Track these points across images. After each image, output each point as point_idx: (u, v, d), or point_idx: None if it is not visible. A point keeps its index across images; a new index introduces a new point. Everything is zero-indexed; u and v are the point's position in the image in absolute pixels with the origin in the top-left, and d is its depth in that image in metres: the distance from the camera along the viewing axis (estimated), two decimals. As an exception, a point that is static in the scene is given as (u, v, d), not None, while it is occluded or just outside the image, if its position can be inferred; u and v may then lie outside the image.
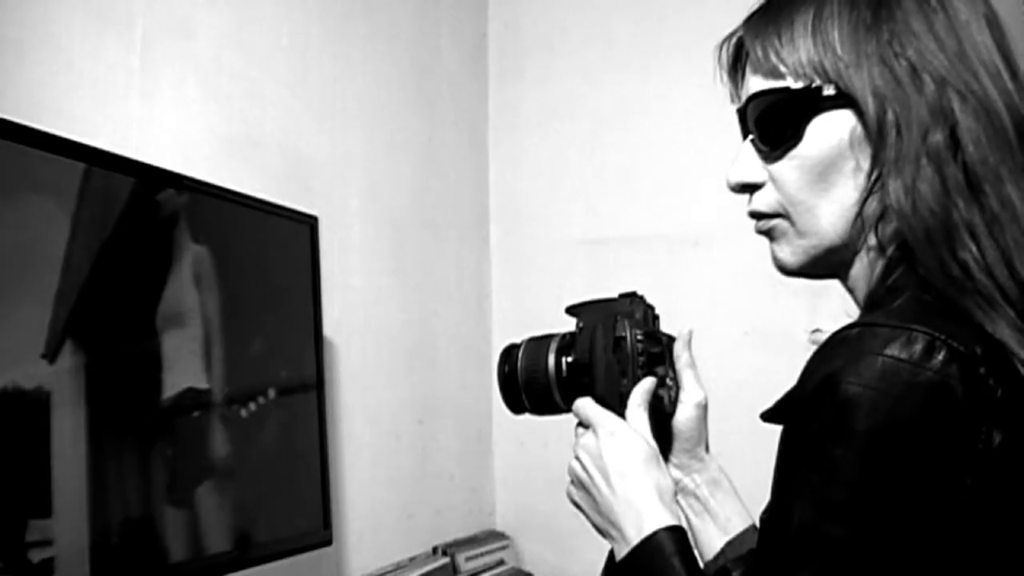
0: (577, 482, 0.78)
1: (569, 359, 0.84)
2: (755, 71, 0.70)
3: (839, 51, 0.65)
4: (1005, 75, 0.63)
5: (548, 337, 0.86)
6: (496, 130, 2.22)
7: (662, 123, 1.98)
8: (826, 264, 0.71)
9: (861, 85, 0.64)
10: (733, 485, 0.86)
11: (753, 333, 1.78)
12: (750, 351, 1.75)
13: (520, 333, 2.48)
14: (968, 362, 0.56)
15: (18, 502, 0.88)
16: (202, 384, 1.12)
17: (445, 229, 2.02)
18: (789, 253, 0.71)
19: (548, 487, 2.06)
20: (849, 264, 0.70)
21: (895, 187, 0.63)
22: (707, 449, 0.85)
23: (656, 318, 0.85)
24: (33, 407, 0.90)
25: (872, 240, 0.67)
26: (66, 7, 1.16)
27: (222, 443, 1.15)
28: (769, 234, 0.72)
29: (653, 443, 0.77)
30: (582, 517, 0.79)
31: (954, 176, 0.61)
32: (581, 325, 0.84)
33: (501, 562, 1.95)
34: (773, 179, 0.70)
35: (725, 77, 0.75)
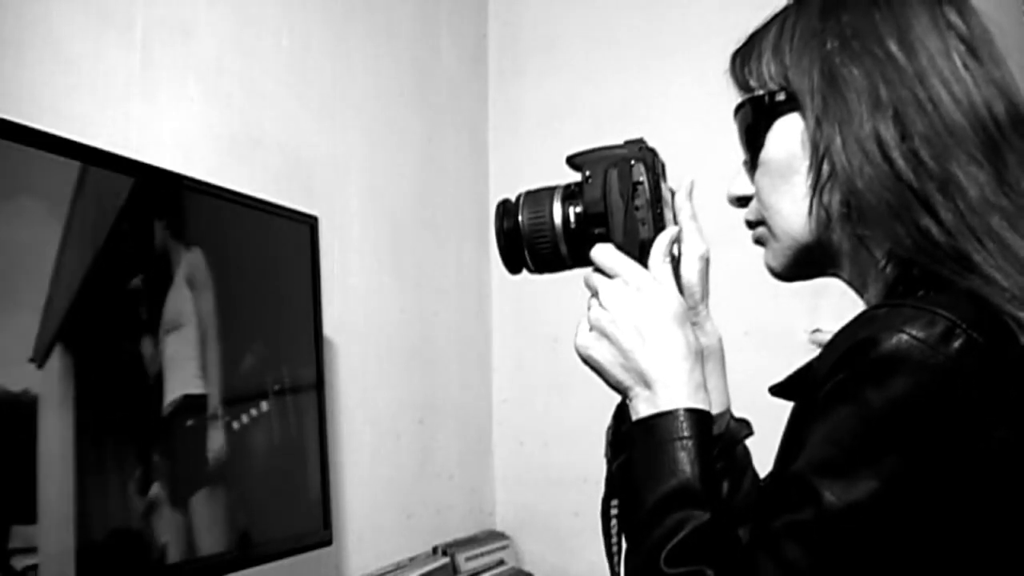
0: (600, 332, 0.72)
1: (578, 209, 0.76)
2: (736, 87, 0.75)
3: (787, 59, 0.70)
4: (958, 64, 0.65)
5: (548, 188, 0.79)
6: (496, 130, 2.22)
7: (662, 123, 1.97)
8: (809, 264, 0.73)
9: (802, 87, 0.69)
10: (725, 362, 0.82)
11: (753, 333, 1.78)
12: (750, 351, 1.75)
13: (520, 333, 2.47)
14: (985, 354, 0.57)
15: (2, 507, 0.86)
16: (200, 385, 1.12)
17: (445, 229, 2.02)
18: (771, 257, 0.75)
19: (548, 487, 2.06)
20: (835, 261, 0.72)
21: (844, 175, 0.65)
22: (708, 308, 0.80)
23: (663, 166, 0.79)
24: (20, 412, 0.88)
25: (842, 233, 0.69)
26: (66, 7, 1.16)
27: (221, 443, 1.15)
28: (759, 242, 0.76)
29: (681, 298, 0.73)
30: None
31: (900, 153, 0.64)
32: (588, 174, 0.76)
33: (501, 562, 1.95)
34: (756, 188, 0.74)
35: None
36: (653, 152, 0.77)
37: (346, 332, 1.64)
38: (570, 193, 0.78)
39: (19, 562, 0.86)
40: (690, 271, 0.77)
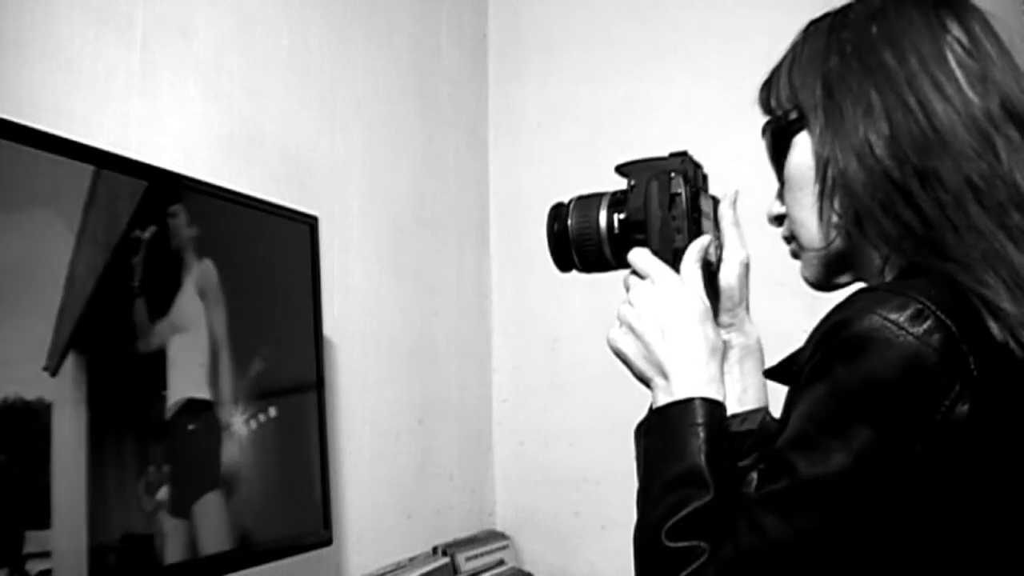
0: (627, 327, 0.79)
1: (621, 216, 0.83)
2: (764, 116, 0.79)
3: (796, 79, 0.75)
4: (954, 64, 0.68)
5: (598, 195, 0.85)
6: (496, 130, 2.22)
7: (662, 123, 1.98)
8: (836, 271, 0.77)
9: (807, 103, 0.73)
10: (763, 362, 0.86)
11: (753, 333, 1.79)
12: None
13: (520, 333, 2.47)
14: (951, 336, 0.60)
15: (17, 513, 0.88)
16: (203, 387, 1.12)
17: (445, 229, 2.02)
18: (804, 268, 0.79)
19: (548, 487, 2.07)
20: (853, 264, 0.76)
21: (844, 179, 0.69)
22: (747, 311, 0.86)
23: (705, 177, 0.85)
24: (35, 419, 0.89)
25: (855, 235, 0.71)
26: (66, 7, 1.16)
27: (222, 445, 1.15)
28: (795, 256, 0.80)
29: (707, 300, 0.78)
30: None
31: (888, 151, 0.67)
32: (633, 183, 0.82)
33: (501, 562, 1.95)
34: (785, 206, 0.79)
35: None
36: (695, 165, 0.83)
37: (346, 332, 1.64)
38: (616, 200, 0.84)
39: (34, 566, 0.87)
40: (730, 275, 0.83)
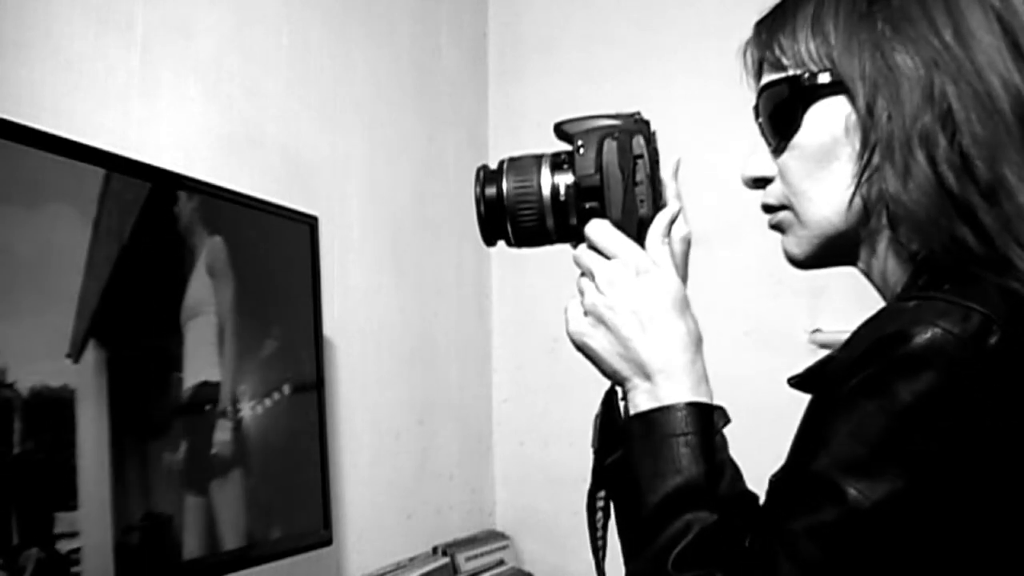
0: (596, 319, 0.68)
1: (569, 180, 0.70)
2: (764, 66, 0.71)
3: (832, 39, 0.66)
4: (1008, 59, 0.62)
5: (534, 156, 0.72)
6: (496, 130, 2.22)
7: (662, 123, 1.97)
8: (832, 253, 0.70)
9: (852, 71, 0.65)
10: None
11: (753, 333, 1.78)
12: (750, 351, 1.75)
13: (520, 333, 2.47)
14: (1020, 352, 0.55)
15: (47, 496, 0.92)
16: (206, 389, 1.13)
17: (445, 229, 2.02)
18: (795, 244, 0.71)
19: (548, 487, 2.06)
20: (856, 251, 0.70)
21: (888, 171, 0.62)
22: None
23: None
24: (60, 406, 0.93)
25: (876, 224, 0.66)
26: (66, 7, 1.16)
27: (223, 444, 1.15)
28: (778, 227, 0.73)
29: (681, 284, 0.69)
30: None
31: (946, 158, 0.60)
32: (580, 144, 0.70)
33: (501, 562, 1.95)
34: (780, 171, 0.71)
35: (751, 81, 0.74)
36: (648, 124, 0.73)
37: (346, 332, 1.64)
38: (559, 162, 0.72)
39: (64, 546, 0.91)
40: (673, 253, 0.72)
